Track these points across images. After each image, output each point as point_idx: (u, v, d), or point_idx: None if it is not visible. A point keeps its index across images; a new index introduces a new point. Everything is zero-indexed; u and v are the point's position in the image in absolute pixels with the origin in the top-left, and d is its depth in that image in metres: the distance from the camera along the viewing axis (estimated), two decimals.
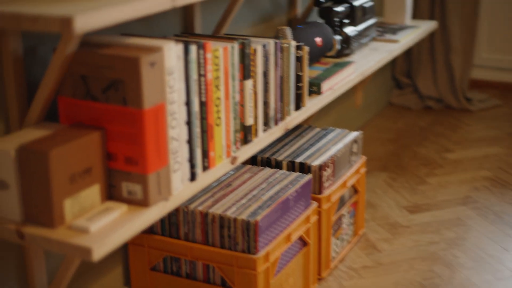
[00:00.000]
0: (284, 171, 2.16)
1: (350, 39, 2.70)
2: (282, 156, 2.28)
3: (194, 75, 1.63)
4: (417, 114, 3.96)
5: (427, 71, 4.05)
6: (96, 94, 1.54)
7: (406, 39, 3.06)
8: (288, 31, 2.24)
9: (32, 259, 1.68)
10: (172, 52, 1.53)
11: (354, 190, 2.50)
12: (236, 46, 1.78)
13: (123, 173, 1.55)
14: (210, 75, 1.68)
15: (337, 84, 2.40)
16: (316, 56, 2.48)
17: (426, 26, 3.32)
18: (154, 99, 1.50)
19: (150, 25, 2.04)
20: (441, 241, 2.57)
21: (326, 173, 2.24)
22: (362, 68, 2.61)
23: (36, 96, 1.56)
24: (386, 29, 3.20)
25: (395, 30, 3.20)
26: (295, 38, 2.35)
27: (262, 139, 1.96)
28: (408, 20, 3.36)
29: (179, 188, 1.63)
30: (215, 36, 1.86)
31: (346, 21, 2.73)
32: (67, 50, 1.46)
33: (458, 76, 4.00)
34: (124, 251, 2.07)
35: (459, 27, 3.99)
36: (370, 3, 2.91)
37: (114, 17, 1.36)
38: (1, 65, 1.58)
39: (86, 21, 1.30)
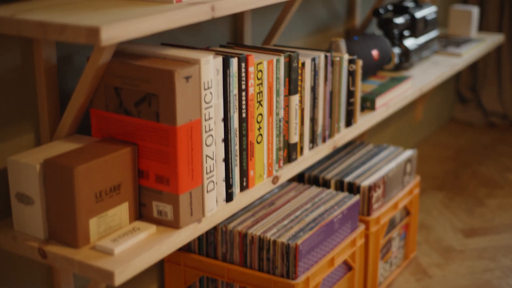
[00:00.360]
0: (331, 190, 2.05)
1: (410, 52, 2.58)
2: (330, 174, 2.17)
3: (234, 90, 1.54)
4: (480, 130, 3.80)
5: (492, 85, 3.88)
6: (129, 107, 1.46)
7: (470, 53, 2.93)
8: (342, 43, 2.13)
9: (60, 276, 1.61)
10: (210, 66, 1.44)
11: (406, 211, 2.37)
12: (282, 59, 1.68)
13: (154, 192, 1.47)
14: (252, 90, 1.59)
15: (392, 100, 2.29)
16: (372, 69, 2.36)
17: (493, 39, 3.17)
18: (188, 115, 1.42)
19: (197, 34, 1.95)
20: (497, 269, 2.43)
21: (376, 194, 2.13)
22: (421, 84, 2.49)
23: (68, 107, 1.48)
24: (449, 42, 3.07)
25: (459, 43, 3.06)
26: (350, 50, 2.24)
27: (307, 158, 1.85)
28: (474, 32, 3.22)
29: (214, 209, 1.54)
30: (262, 47, 1.77)
31: (406, 33, 2.61)
32: (99, 60, 1.39)
33: None
34: (160, 268, 1.98)
35: None
36: (433, 15, 2.78)
37: (146, 28, 1.28)
38: (34, 74, 1.51)
39: (114, 32, 1.21)
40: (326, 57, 1.87)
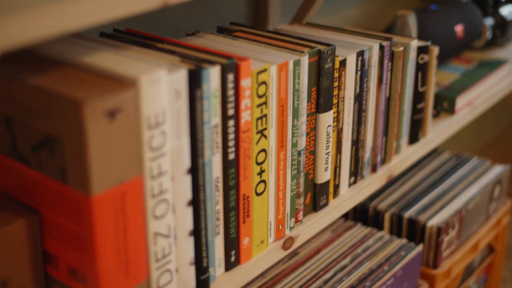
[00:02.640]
0: (383, 234, 1.42)
1: (507, 24, 1.88)
2: (385, 203, 1.53)
3: (213, 120, 0.92)
4: None
5: None
6: (26, 152, 0.86)
7: None
8: (411, 18, 1.47)
9: None
10: (160, 87, 0.82)
11: (490, 248, 1.72)
12: (305, 60, 1.04)
13: None
14: (246, 116, 0.96)
15: (480, 97, 1.62)
16: (454, 51, 1.69)
17: None
18: (116, 174, 0.81)
19: (196, 10, 1.33)
20: None
21: (448, 237, 1.49)
22: None
23: None
24: None
25: None
26: (424, 26, 1.57)
27: (345, 201, 1.23)
28: None
29: None
30: (280, 35, 1.14)
31: None
32: None
33: None
34: None
35: None
36: None
37: (41, 30, 0.66)
38: None
39: None
40: (381, 47, 1.22)
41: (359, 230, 1.44)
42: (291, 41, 1.11)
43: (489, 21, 1.83)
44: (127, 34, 1.03)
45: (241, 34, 1.15)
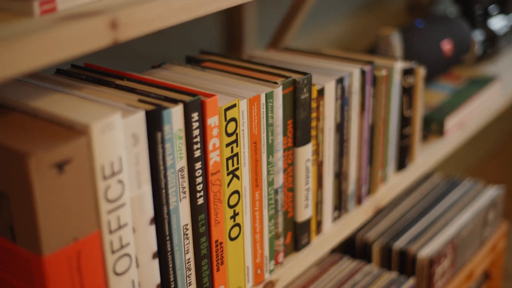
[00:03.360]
0: (371, 268, 1.34)
1: (497, 38, 1.81)
2: (373, 232, 1.46)
3: (178, 164, 0.84)
4: None
5: None
6: None
7: None
8: (395, 38, 1.40)
9: None
10: (116, 133, 0.74)
11: (485, 275, 1.65)
12: (278, 92, 0.97)
13: None
14: (215, 157, 0.88)
15: (471, 117, 1.55)
16: (442, 68, 1.62)
17: None
18: (69, 231, 0.73)
19: (165, 38, 1.25)
20: None
21: (441, 267, 1.41)
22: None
23: None
24: None
25: None
26: (409, 46, 1.49)
27: (329, 236, 1.16)
28: None
29: None
30: (250, 63, 1.06)
31: (492, 9, 1.84)
32: None
33: None
34: None
35: None
36: None
37: None
38: None
39: None
40: (363, 73, 1.15)
41: (346, 264, 1.36)
42: (265, 70, 1.04)
43: (478, 35, 1.75)
44: (85, 69, 0.96)
45: (211, 65, 1.07)
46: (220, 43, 1.35)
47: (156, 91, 0.88)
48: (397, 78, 1.25)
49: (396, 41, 1.42)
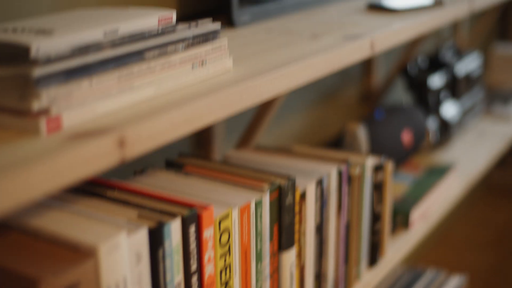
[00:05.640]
0: None
1: (450, 126, 1.85)
2: None
3: (177, 278, 0.83)
4: None
5: None
6: None
7: None
8: (361, 132, 1.41)
9: None
10: (120, 253, 0.72)
11: None
12: (266, 198, 0.96)
13: None
14: (211, 269, 0.87)
15: (433, 207, 1.57)
16: (402, 159, 1.64)
17: None
18: None
19: None
20: None
21: None
22: (468, 173, 1.78)
23: None
24: (493, 96, 2.34)
25: (506, 97, 2.33)
26: (373, 139, 1.51)
27: None
28: None
29: None
30: (227, 166, 1.06)
31: (444, 94, 1.89)
32: None
33: None
34: None
35: None
36: (478, 68, 2.06)
37: None
38: None
39: None
40: (340, 173, 1.15)
41: None
42: (247, 174, 1.04)
43: (432, 123, 1.79)
44: None
45: (193, 169, 1.06)
46: (189, 140, 1.35)
47: (151, 204, 0.87)
48: (368, 174, 1.26)
49: (362, 135, 1.44)
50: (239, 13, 1.18)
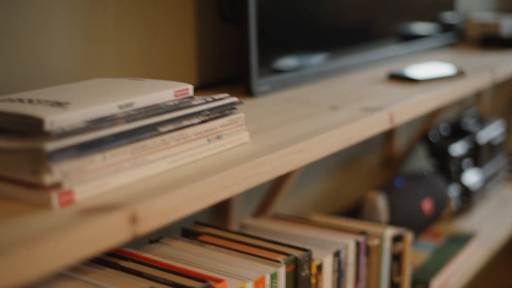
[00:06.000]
0: None
1: (472, 194, 1.84)
2: None
3: None
4: None
5: None
6: None
7: None
8: (380, 201, 1.41)
9: None
10: None
11: None
12: (282, 271, 0.96)
13: None
14: None
15: (454, 277, 1.55)
16: (423, 227, 1.63)
17: None
18: None
19: None
20: None
21: None
22: (490, 241, 1.76)
23: None
24: None
25: None
26: (392, 208, 1.50)
27: None
28: None
29: None
30: (247, 238, 1.05)
31: (466, 162, 1.88)
32: None
33: None
34: None
35: None
36: (501, 136, 2.05)
37: None
38: None
39: None
40: (358, 244, 1.15)
41: None
42: (263, 246, 1.03)
43: (453, 191, 1.78)
44: None
45: (209, 239, 1.06)
46: (208, 208, 1.35)
47: (164, 275, 0.86)
48: (387, 245, 1.25)
49: (381, 204, 1.43)
50: (258, 82, 1.19)
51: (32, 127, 0.70)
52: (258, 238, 1.06)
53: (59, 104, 0.75)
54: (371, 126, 1.09)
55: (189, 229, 1.10)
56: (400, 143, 1.96)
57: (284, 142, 0.92)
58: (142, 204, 0.71)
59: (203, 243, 1.03)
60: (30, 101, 0.77)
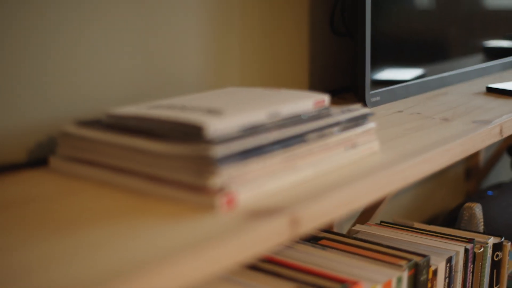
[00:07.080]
0: None
1: None
2: None
3: None
4: None
5: None
6: None
7: None
8: (478, 210, 1.44)
9: None
10: None
11: None
12: (405, 275, 1.00)
13: None
14: None
15: None
16: None
17: None
18: None
19: None
20: None
21: None
22: None
23: None
24: None
25: None
26: (486, 215, 1.54)
27: None
28: None
29: None
30: (365, 242, 1.10)
31: None
32: None
33: None
34: None
35: None
36: None
37: None
38: None
39: None
40: (466, 251, 1.18)
41: None
42: (382, 251, 1.07)
43: None
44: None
45: (328, 243, 1.11)
46: None
47: (304, 278, 0.91)
48: (489, 254, 1.28)
49: (479, 213, 1.46)
50: (371, 94, 1.23)
51: (190, 133, 0.75)
52: (376, 243, 1.10)
53: (214, 111, 0.80)
54: (484, 138, 1.13)
55: (309, 234, 1.14)
56: (484, 153, 1.99)
57: (411, 153, 0.96)
58: (302, 208, 0.76)
59: (325, 247, 1.08)
60: (183, 108, 0.81)
